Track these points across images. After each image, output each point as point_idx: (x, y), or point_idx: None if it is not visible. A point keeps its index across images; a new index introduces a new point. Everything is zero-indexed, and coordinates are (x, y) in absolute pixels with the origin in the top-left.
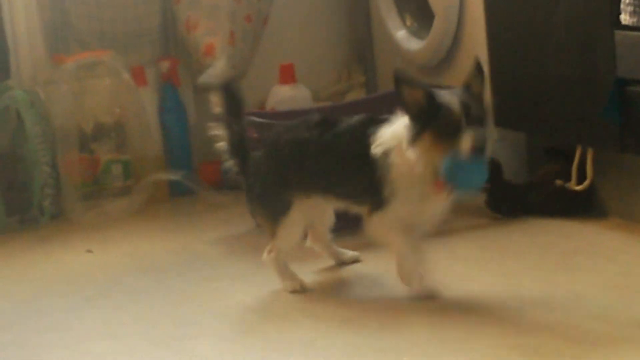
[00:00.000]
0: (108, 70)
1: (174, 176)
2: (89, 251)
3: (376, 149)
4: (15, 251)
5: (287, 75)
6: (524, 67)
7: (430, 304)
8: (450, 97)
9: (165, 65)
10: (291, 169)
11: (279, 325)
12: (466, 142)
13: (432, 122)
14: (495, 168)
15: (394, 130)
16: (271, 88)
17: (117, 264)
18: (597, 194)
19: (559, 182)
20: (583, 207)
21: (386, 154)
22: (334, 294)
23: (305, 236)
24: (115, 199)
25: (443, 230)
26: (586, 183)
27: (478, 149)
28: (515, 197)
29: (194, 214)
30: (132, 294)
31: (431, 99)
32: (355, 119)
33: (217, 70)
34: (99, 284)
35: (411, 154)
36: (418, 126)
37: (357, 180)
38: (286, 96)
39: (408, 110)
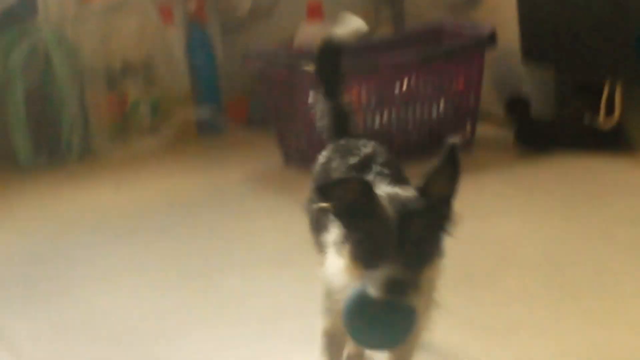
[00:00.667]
0: (136, 9)
1: (202, 114)
2: (117, 189)
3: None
4: (44, 189)
5: (315, 12)
6: (553, 1)
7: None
8: (393, 198)
9: (192, 3)
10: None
11: (307, 259)
12: (382, 274)
13: (359, 225)
14: (523, 104)
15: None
16: (298, 26)
17: (146, 200)
18: (626, 130)
19: (587, 117)
20: (611, 143)
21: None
22: None
23: None
24: (143, 137)
25: (471, 165)
26: (615, 118)
27: (396, 291)
28: (544, 133)
29: (222, 151)
30: (161, 230)
31: (368, 192)
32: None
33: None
34: (128, 221)
35: (337, 258)
36: (344, 224)
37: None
38: (314, 33)
39: (338, 200)
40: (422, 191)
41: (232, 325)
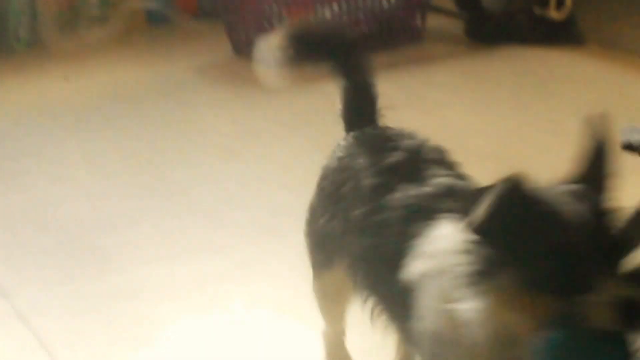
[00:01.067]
0: None
1: (151, 4)
2: (66, 79)
3: (413, 264)
4: None
5: None
6: None
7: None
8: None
9: None
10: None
11: (255, 151)
12: (607, 295)
13: (533, 241)
14: None
15: (451, 238)
16: None
17: (95, 91)
18: (576, 22)
19: (537, 9)
20: (562, 35)
21: (425, 282)
22: None
23: None
24: (92, 27)
25: (421, 58)
26: (566, 10)
27: (635, 314)
28: (494, 25)
29: (171, 41)
30: (110, 121)
31: (532, 195)
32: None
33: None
34: (77, 112)
35: (468, 305)
36: (496, 249)
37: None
38: None
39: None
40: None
41: (179, 216)
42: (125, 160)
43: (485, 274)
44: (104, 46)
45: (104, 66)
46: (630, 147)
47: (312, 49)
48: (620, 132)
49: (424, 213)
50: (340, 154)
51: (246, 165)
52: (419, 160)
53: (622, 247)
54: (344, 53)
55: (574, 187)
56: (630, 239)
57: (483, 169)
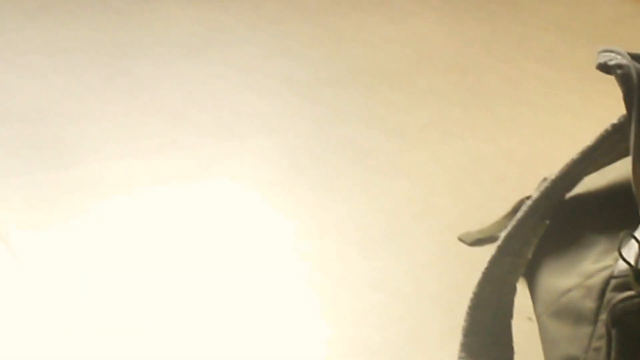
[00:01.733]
0: None
1: None
2: None
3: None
4: None
5: None
6: None
7: (371, 35)
8: None
9: None
10: None
11: (219, 50)
12: None
13: None
14: None
15: None
16: None
17: None
18: None
19: None
20: None
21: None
22: None
23: None
24: None
25: None
26: None
27: None
28: None
29: None
30: (73, 10)
31: None
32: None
33: None
34: None
35: None
36: None
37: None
38: None
39: None
40: None
41: (142, 112)
42: (88, 51)
43: None
44: None
45: None
46: (605, 68)
47: None
48: (597, 53)
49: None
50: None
51: (210, 64)
52: None
53: None
54: None
55: None
56: None
57: (447, 81)
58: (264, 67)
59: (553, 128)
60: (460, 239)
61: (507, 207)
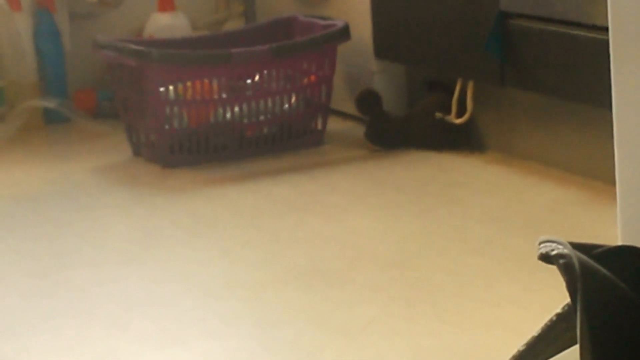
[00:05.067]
0: None
1: (49, 103)
2: None
3: None
4: None
5: (166, 2)
6: None
7: (309, 235)
8: None
9: None
10: None
11: (158, 255)
12: None
13: None
14: (374, 100)
15: None
16: (149, 16)
17: None
18: (477, 128)
19: (438, 114)
20: (462, 141)
21: None
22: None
23: None
24: None
25: (322, 162)
26: (466, 116)
27: None
28: (395, 130)
29: (70, 142)
30: (6, 224)
31: None
32: None
33: None
34: None
35: None
36: None
37: None
38: (164, 24)
39: None
40: None
41: (82, 322)
42: (24, 262)
43: None
44: (0, 146)
45: (1, 166)
46: (547, 258)
47: None
48: (538, 244)
49: None
50: None
51: (148, 269)
52: None
53: None
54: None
55: None
56: None
57: (388, 277)
58: (203, 271)
59: (496, 320)
60: None
61: None
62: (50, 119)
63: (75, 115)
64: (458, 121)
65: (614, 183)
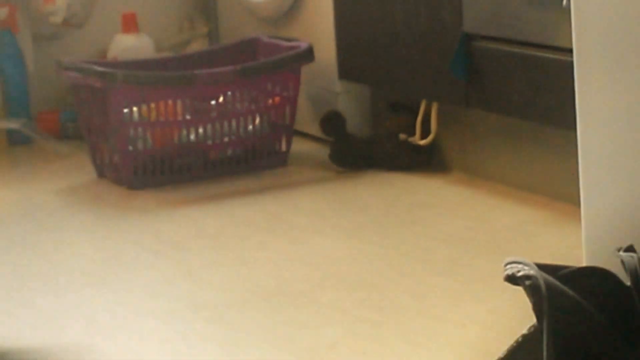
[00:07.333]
0: None
1: (12, 124)
2: None
3: None
4: None
5: (130, 24)
6: (369, 19)
7: (274, 256)
8: None
9: (3, 11)
10: None
11: (122, 277)
12: None
13: None
14: (339, 121)
15: None
16: (112, 37)
17: None
18: (441, 149)
19: (402, 136)
20: (426, 162)
21: None
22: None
23: None
24: None
25: (286, 183)
26: (430, 137)
27: None
28: (359, 151)
29: (33, 163)
30: None
31: None
32: None
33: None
34: None
35: None
36: None
37: None
38: (128, 46)
39: None
40: None
41: (46, 345)
42: None
43: None
44: None
45: None
46: (513, 279)
47: None
48: (504, 265)
49: None
50: None
51: (113, 291)
52: None
53: None
54: None
55: None
56: None
57: (353, 298)
58: (167, 292)
59: (462, 340)
60: None
61: None
62: (14, 140)
63: (39, 136)
64: (422, 142)
65: (578, 204)
